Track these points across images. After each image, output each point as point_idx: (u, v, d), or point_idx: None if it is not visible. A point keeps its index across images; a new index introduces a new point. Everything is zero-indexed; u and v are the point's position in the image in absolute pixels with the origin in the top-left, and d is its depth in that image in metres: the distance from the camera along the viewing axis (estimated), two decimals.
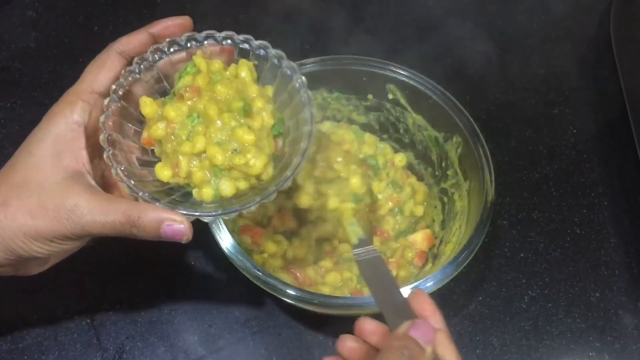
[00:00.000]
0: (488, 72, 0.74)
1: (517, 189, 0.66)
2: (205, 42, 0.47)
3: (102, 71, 0.46)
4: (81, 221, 0.42)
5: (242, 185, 0.45)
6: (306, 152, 0.45)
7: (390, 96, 0.60)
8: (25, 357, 0.55)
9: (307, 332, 0.57)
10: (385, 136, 0.64)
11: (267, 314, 0.57)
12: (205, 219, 0.44)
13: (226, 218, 0.45)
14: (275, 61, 0.48)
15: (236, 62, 0.48)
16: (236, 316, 0.57)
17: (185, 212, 0.43)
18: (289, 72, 0.47)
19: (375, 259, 0.47)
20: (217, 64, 0.47)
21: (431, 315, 0.40)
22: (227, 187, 0.44)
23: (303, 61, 0.58)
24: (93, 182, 0.44)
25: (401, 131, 0.62)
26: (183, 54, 0.47)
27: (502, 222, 0.63)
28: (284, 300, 0.49)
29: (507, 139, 0.69)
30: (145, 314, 0.57)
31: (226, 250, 0.50)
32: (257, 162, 0.44)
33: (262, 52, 0.48)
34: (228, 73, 0.47)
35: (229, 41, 0.48)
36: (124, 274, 0.59)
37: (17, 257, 0.44)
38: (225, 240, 0.50)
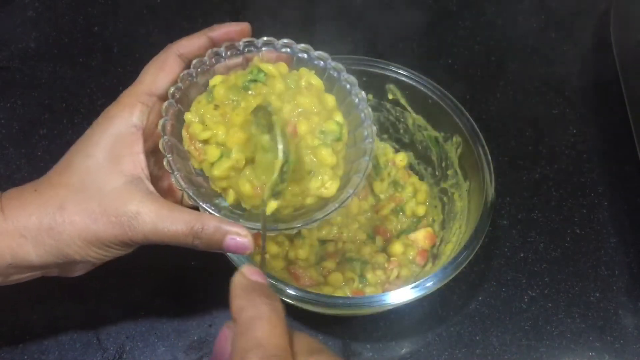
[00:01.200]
0: (488, 72, 0.74)
1: (517, 189, 0.66)
2: (263, 49, 0.46)
3: (161, 74, 0.45)
4: (143, 229, 0.42)
5: (308, 201, 0.43)
6: (367, 169, 0.44)
7: (390, 96, 0.60)
8: (25, 357, 0.55)
9: (307, 332, 0.57)
10: (385, 136, 0.64)
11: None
12: (270, 233, 0.43)
13: (287, 233, 0.44)
14: (335, 74, 0.46)
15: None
16: None
17: (248, 226, 0.42)
18: (348, 86, 0.46)
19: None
20: (282, 67, 0.45)
21: None
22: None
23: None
24: (152, 188, 0.43)
25: (401, 131, 0.62)
26: (240, 59, 0.46)
27: (502, 222, 0.63)
28: (284, 300, 0.49)
29: (507, 139, 0.69)
30: (145, 314, 0.57)
31: None
32: (332, 187, 0.43)
33: (321, 63, 0.46)
34: (303, 82, 0.45)
35: (287, 49, 0.47)
36: (124, 274, 0.59)
37: (70, 260, 0.43)
38: None
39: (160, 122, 0.43)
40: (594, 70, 0.75)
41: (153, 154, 0.45)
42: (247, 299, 0.34)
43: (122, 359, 0.55)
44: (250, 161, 0.43)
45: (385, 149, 0.64)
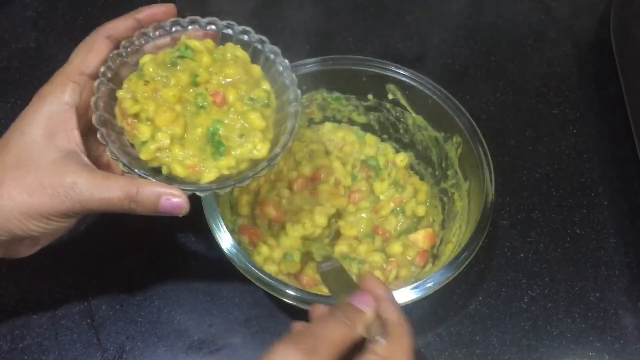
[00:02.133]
0: (488, 72, 0.74)
1: (517, 189, 0.66)
2: (189, 27, 0.49)
3: (91, 54, 0.46)
4: (80, 198, 0.43)
5: (242, 166, 0.46)
6: (294, 130, 0.46)
7: (390, 96, 0.60)
8: (25, 357, 0.55)
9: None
10: (385, 136, 0.64)
11: (267, 314, 0.57)
12: (201, 194, 0.45)
13: (221, 192, 0.45)
14: (259, 46, 0.49)
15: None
16: (236, 316, 0.57)
17: (182, 187, 0.44)
18: (272, 56, 0.49)
19: (336, 267, 0.49)
20: (208, 43, 0.48)
21: (375, 288, 0.42)
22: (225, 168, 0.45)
23: (303, 61, 0.58)
24: (88, 161, 0.44)
25: (401, 131, 0.62)
26: (168, 39, 0.48)
27: (502, 222, 0.63)
28: (284, 300, 0.49)
29: (507, 139, 0.69)
30: (145, 314, 0.57)
31: (226, 251, 0.50)
32: (262, 149, 0.45)
33: (245, 37, 0.49)
34: (229, 54, 0.48)
35: (212, 27, 0.49)
36: (124, 273, 0.59)
37: (12, 236, 0.44)
38: (225, 240, 0.50)
39: (92, 98, 0.45)
40: (594, 70, 0.75)
41: (90, 131, 0.46)
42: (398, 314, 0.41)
43: (122, 359, 0.55)
44: (179, 138, 0.45)
45: (385, 149, 0.64)
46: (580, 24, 0.79)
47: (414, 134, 0.61)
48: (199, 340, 0.56)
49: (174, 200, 0.43)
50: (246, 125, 0.45)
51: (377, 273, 0.56)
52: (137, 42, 0.48)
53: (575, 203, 0.65)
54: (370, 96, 0.61)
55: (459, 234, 0.55)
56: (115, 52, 0.47)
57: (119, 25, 0.48)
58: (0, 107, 0.69)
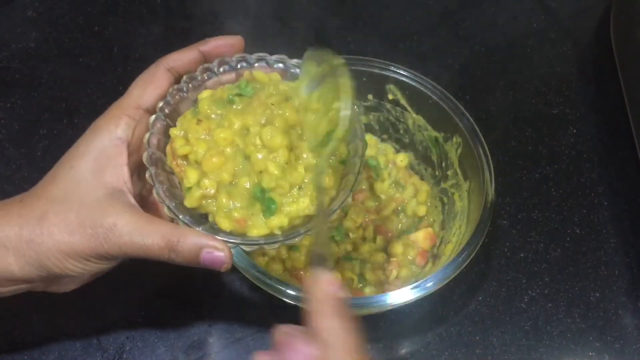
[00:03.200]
0: (488, 72, 0.74)
1: (517, 189, 0.66)
2: (256, 64, 0.46)
3: (150, 87, 0.44)
4: (119, 241, 0.41)
5: (296, 222, 0.42)
6: (355, 186, 0.43)
7: (390, 96, 0.60)
8: (25, 357, 0.55)
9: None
10: (385, 136, 0.64)
11: (267, 314, 0.57)
12: (247, 248, 0.42)
13: (268, 249, 0.42)
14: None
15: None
16: (236, 316, 0.57)
17: (226, 240, 0.41)
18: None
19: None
20: (274, 76, 0.45)
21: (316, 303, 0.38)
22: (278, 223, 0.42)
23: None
24: (133, 201, 0.42)
25: (401, 131, 0.62)
26: (232, 75, 0.46)
27: (502, 222, 0.63)
28: (284, 300, 0.49)
29: (507, 139, 0.69)
30: (145, 314, 0.57)
31: None
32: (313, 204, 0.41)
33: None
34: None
35: (280, 65, 0.46)
36: (124, 273, 0.59)
37: (49, 273, 0.43)
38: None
39: (146, 135, 0.43)
40: (594, 70, 0.75)
41: (142, 168, 0.44)
42: (334, 319, 0.36)
43: (122, 359, 0.55)
44: (228, 185, 0.42)
45: (385, 150, 0.64)
46: (580, 24, 0.79)
47: (414, 134, 0.61)
48: (199, 340, 0.56)
49: (216, 254, 0.41)
50: (306, 178, 0.42)
51: (378, 273, 0.56)
52: (199, 77, 0.45)
53: (575, 203, 0.65)
54: (370, 96, 0.61)
55: (459, 234, 0.55)
56: (175, 86, 0.44)
57: (182, 58, 0.45)
58: (0, 107, 0.69)
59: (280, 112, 0.42)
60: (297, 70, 0.46)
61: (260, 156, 0.41)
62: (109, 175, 0.42)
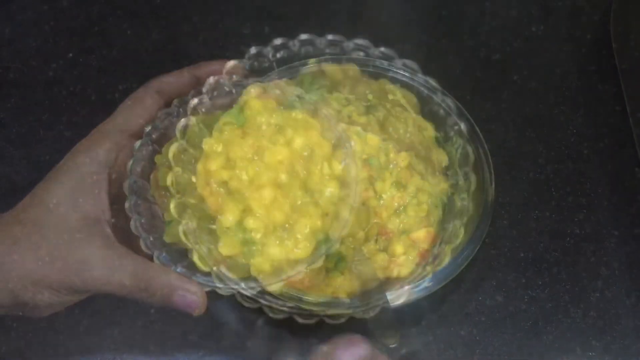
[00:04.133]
0: (488, 72, 0.74)
1: (517, 189, 0.66)
2: (252, 90, 0.43)
3: (137, 110, 0.42)
4: (87, 277, 0.39)
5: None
6: (346, 226, 0.41)
7: (390, 97, 0.60)
8: (26, 357, 0.55)
9: (307, 332, 0.57)
10: (385, 136, 0.64)
11: (267, 314, 0.57)
12: (223, 292, 0.40)
13: (246, 293, 0.40)
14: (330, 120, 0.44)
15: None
16: (236, 316, 0.57)
17: (202, 282, 0.39)
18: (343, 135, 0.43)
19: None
20: (270, 104, 0.42)
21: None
22: (261, 264, 0.39)
23: (303, 61, 0.58)
24: (109, 231, 0.40)
25: (401, 131, 0.62)
26: (227, 100, 0.43)
27: (502, 222, 0.63)
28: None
29: (507, 139, 0.69)
30: (145, 315, 0.57)
31: None
32: (306, 248, 0.39)
33: (311, 107, 0.44)
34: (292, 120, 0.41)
35: (277, 91, 0.44)
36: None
37: (18, 302, 0.41)
38: None
39: (129, 162, 0.41)
40: (593, 71, 0.75)
41: (124, 196, 0.43)
42: None
43: (122, 359, 0.55)
44: (202, 221, 0.39)
45: (386, 149, 0.64)
46: (580, 24, 0.79)
47: (414, 134, 0.61)
48: (198, 341, 0.56)
49: (189, 297, 0.39)
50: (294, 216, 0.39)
51: (379, 273, 0.56)
52: (191, 102, 0.43)
53: (575, 203, 0.65)
54: (370, 96, 0.61)
55: (459, 234, 0.55)
56: (165, 111, 0.42)
57: (173, 81, 0.44)
58: (0, 107, 0.69)
59: (271, 145, 0.40)
60: (295, 98, 0.44)
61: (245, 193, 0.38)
62: (87, 203, 0.40)
